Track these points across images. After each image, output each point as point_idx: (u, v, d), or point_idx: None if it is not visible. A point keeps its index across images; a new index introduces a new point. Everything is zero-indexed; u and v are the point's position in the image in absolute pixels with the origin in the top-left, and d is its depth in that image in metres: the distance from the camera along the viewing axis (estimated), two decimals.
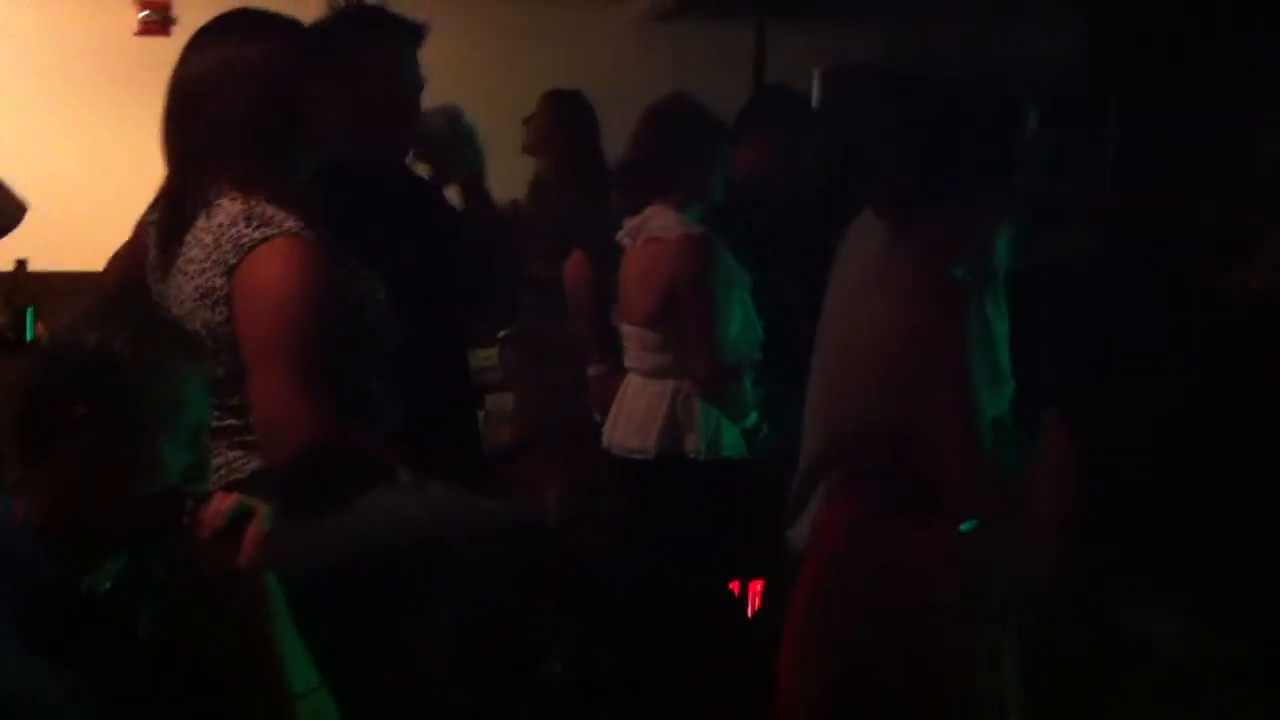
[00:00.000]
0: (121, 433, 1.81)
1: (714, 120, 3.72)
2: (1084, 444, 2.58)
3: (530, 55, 6.70)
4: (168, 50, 2.53)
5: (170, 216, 2.34)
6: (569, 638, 3.92)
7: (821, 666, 2.43)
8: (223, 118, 2.29)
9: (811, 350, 2.95)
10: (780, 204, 4.07)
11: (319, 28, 2.86)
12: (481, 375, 4.34)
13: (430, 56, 3.01)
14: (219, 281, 2.21)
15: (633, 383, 3.68)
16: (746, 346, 3.60)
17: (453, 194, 3.20)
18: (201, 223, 2.27)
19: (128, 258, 2.62)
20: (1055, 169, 2.50)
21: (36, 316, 4.54)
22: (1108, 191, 3.55)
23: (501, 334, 4.76)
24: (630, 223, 3.68)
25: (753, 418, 3.62)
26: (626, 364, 3.72)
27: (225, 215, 2.24)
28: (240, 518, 1.86)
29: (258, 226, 2.21)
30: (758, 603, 3.81)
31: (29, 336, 4.33)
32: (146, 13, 6.77)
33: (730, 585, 3.79)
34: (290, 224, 2.22)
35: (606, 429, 3.72)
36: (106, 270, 2.73)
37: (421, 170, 3.17)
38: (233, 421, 2.23)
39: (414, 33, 2.97)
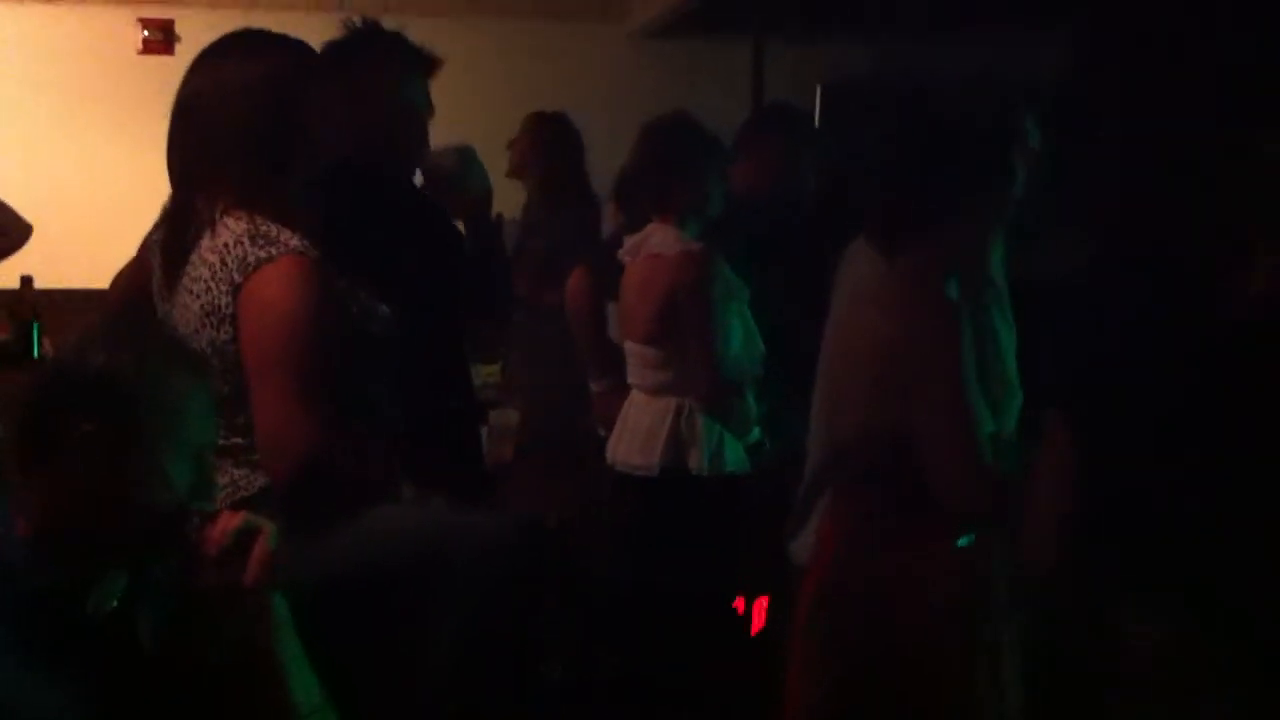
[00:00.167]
0: (126, 449, 1.81)
1: (712, 137, 3.72)
2: (1084, 445, 2.59)
3: (528, 73, 6.73)
4: (171, 69, 2.54)
5: (175, 235, 2.35)
6: (570, 646, 3.91)
7: (824, 672, 2.43)
8: (227, 137, 2.30)
9: (813, 365, 2.96)
10: (781, 220, 4.08)
11: (331, 48, 2.87)
12: (484, 391, 4.35)
13: None
14: (224, 300, 2.21)
15: (635, 399, 3.68)
16: (748, 362, 3.60)
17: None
18: (206, 241, 2.28)
19: (133, 276, 2.63)
20: (1052, 177, 2.50)
21: (42, 332, 4.55)
22: (1106, 195, 3.55)
23: (503, 351, 4.78)
24: (630, 240, 3.69)
25: (755, 433, 3.62)
26: (629, 381, 3.72)
27: (230, 234, 2.25)
28: (246, 536, 1.87)
29: (262, 245, 2.21)
30: (762, 619, 3.81)
31: (36, 352, 4.34)
32: (150, 32, 6.80)
33: (735, 602, 3.79)
34: (294, 242, 2.23)
35: (610, 445, 3.72)
36: (112, 288, 2.74)
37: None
38: (239, 440, 2.24)
39: (425, 62, 2.99)
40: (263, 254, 2.20)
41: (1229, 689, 2.45)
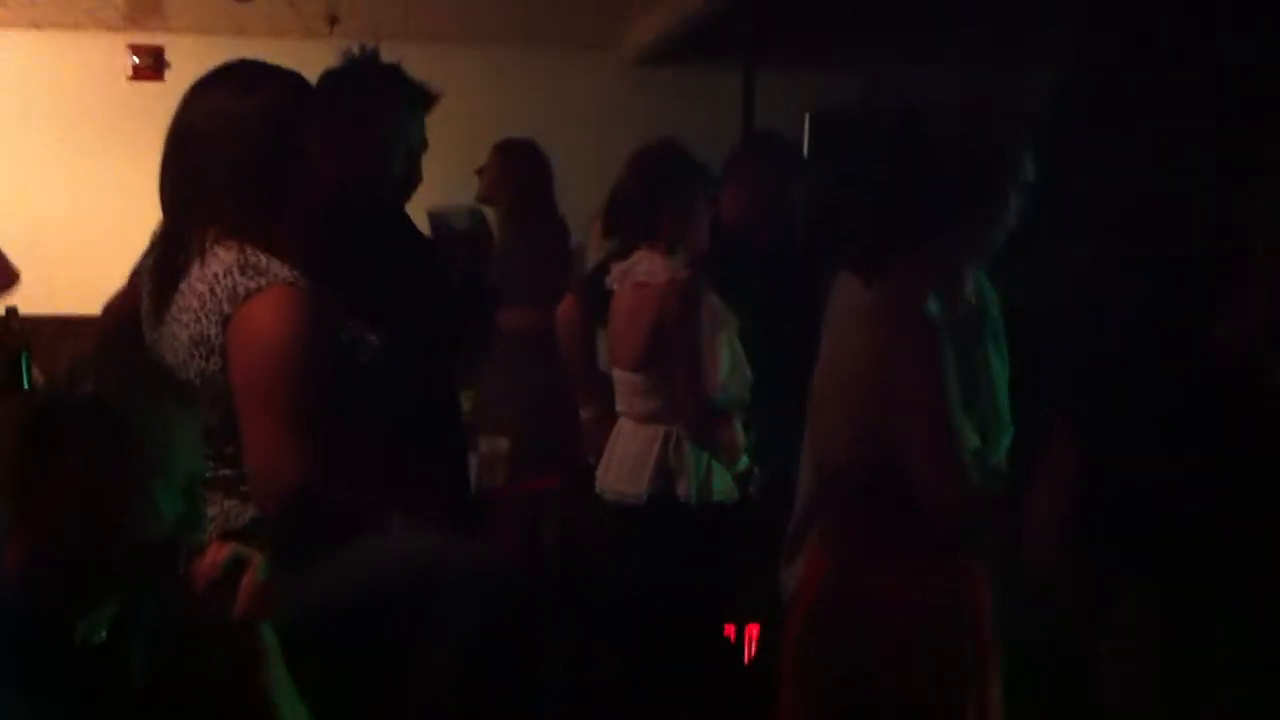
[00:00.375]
0: (115, 480, 1.81)
1: (700, 165, 3.73)
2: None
3: (521, 99, 6.75)
4: (161, 95, 2.55)
5: (165, 264, 2.35)
6: (564, 671, 3.90)
7: (816, 693, 2.44)
8: (219, 167, 2.30)
9: (802, 393, 2.97)
10: (769, 247, 4.09)
11: (328, 78, 2.87)
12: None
13: None
14: (213, 331, 2.21)
15: (623, 427, 3.68)
16: (736, 390, 3.60)
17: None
18: (196, 271, 2.27)
19: (124, 304, 2.63)
20: (1047, 194, 2.51)
21: (31, 362, 4.54)
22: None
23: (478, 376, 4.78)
24: (618, 267, 3.69)
25: (744, 461, 3.63)
26: (617, 408, 3.72)
27: (220, 264, 2.25)
28: (235, 567, 1.86)
29: (252, 276, 2.21)
30: (754, 647, 3.80)
31: (25, 383, 4.33)
32: (140, 58, 6.81)
33: (726, 630, 3.79)
34: (284, 273, 2.23)
35: (599, 473, 3.72)
36: (103, 315, 2.74)
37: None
38: (228, 471, 2.24)
39: (423, 97, 2.99)
40: (252, 285, 2.20)
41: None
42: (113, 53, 6.82)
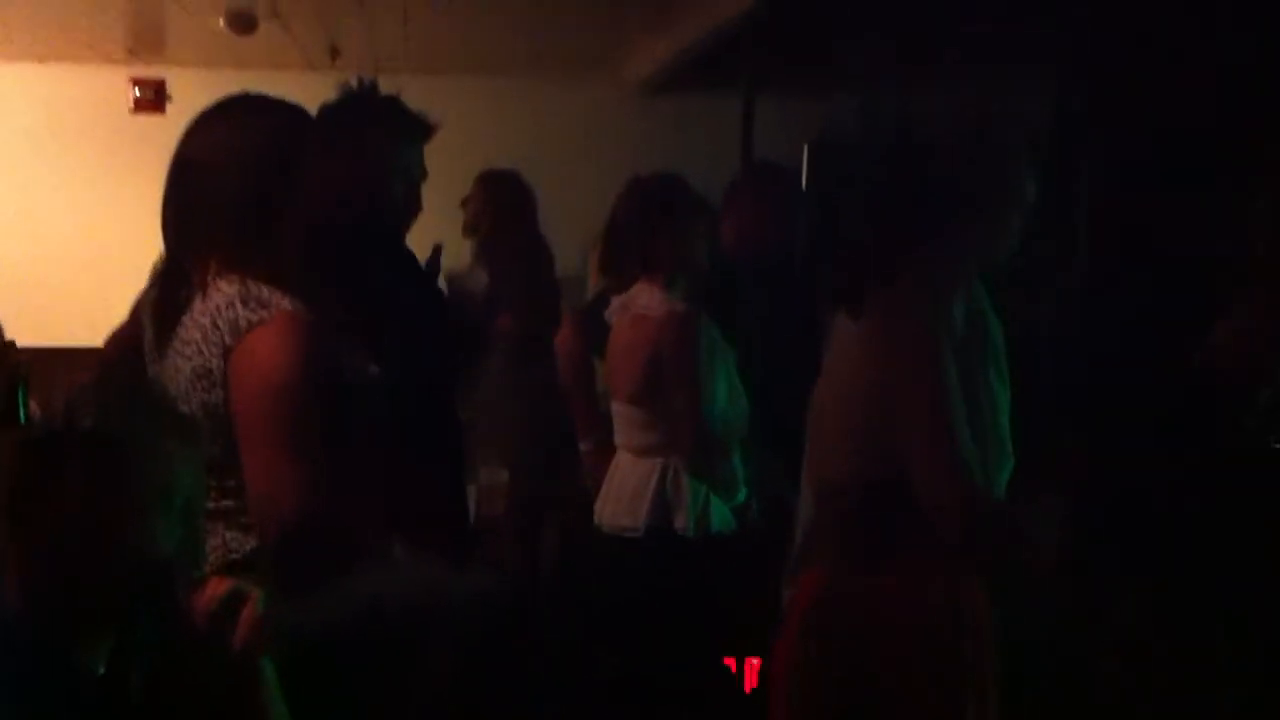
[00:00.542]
0: (114, 512, 1.81)
1: (699, 197, 3.74)
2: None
3: (518, 129, 6.78)
4: (163, 127, 2.56)
5: (167, 296, 2.35)
6: (564, 697, 3.90)
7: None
8: (221, 200, 2.31)
9: (801, 424, 2.97)
10: (768, 279, 4.09)
11: (327, 111, 2.89)
12: None
13: None
14: (215, 363, 2.21)
15: (621, 460, 3.68)
16: (734, 422, 3.60)
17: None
18: (198, 303, 2.28)
19: (125, 336, 2.63)
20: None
21: (28, 394, 4.54)
22: (1079, 252, 3.59)
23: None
24: (616, 300, 3.69)
25: (742, 494, 3.62)
26: (616, 441, 3.72)
27: (222, 296, 2.25)
28: (234, 601, 1.86)
29: (254, 308, 2.22)
30: (754, 679, 3.79)
31: (22, 417, 4.33)
32: (141, 90, 6.84)
33: (725, 662, 3.78)
34: (287, 305, 2.23)
35: (597, 506, 3.71)
36: (104, 348, 2.74)
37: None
38: (229, 503, 2.24)
39: (421, 128, 3.01)
40: (254, 316, 2.21)
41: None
42: (114, 85, 6.86)
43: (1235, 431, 2.51)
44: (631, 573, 3.63)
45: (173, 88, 6.81)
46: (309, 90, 2.82)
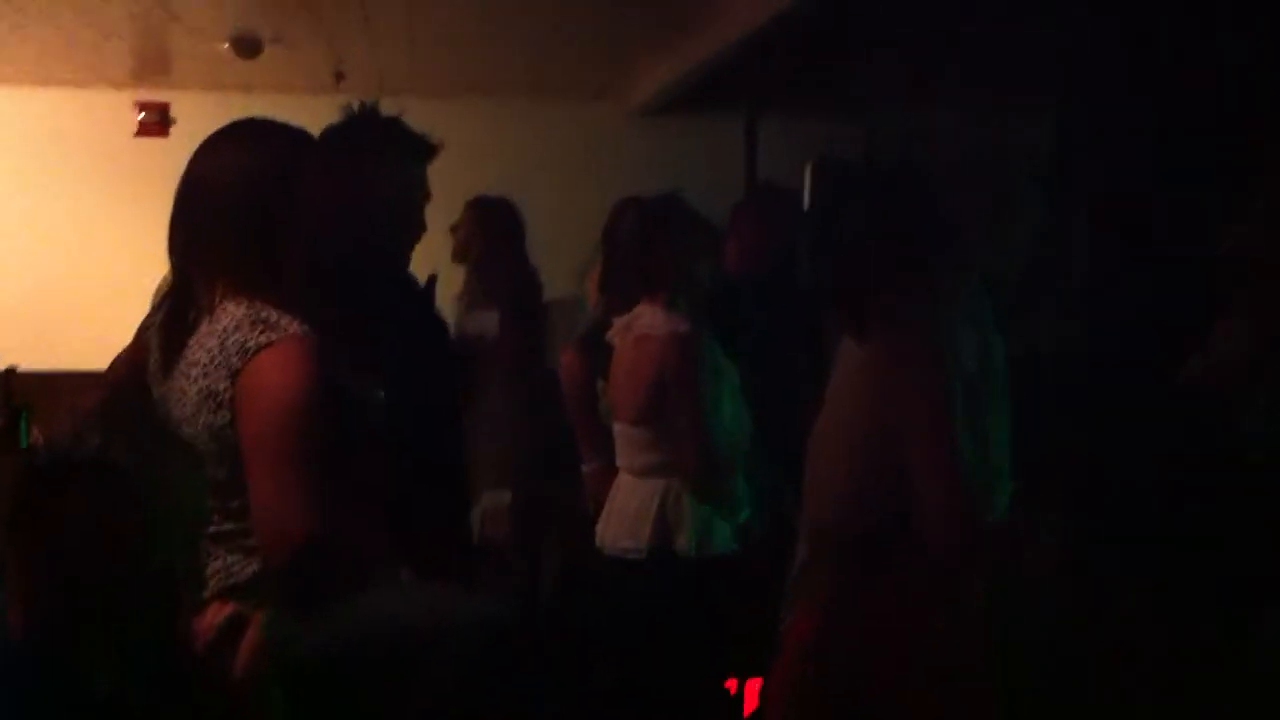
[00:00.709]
0: (118, 537, 1.82)
1: (702, 218, 3.74)
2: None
3: (521, 151, 6.79)
4: (167, 151, 2.57)
5: (173, 319, 2.36)
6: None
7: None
8: (229, 225, 2.32)
9: (803, 445, 2.97)
10: (772, 299, 4.10)
11: (330, 134, 2.90)
12: None
13: None
14: (222, 385, 2.22)
15: (623, 481, 3.67)
16: (737, 442, 3.60)
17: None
18: (205, 326, 2.29)
19: (130, 360, 2.64)
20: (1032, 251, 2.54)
21: (31, 419, 4.54)
22: (1076, 278, 3.60)
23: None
24: (619, 321, 3.69)
25: (744, 514, 3.62)
26: (617, 462, 3.72)
27: (229, 319, 2.26)
28: (234, 626, 1.87)
29: (262, 331, 2.22)
30: (755, 701, 3.78)
31: (24, 441, 4.34)
32: (145, 114, 6.85)
33: (726, 684, 3.77)
34: (294, 328, 2.24)
35: (599, 527, 3.71)
36: (110, 371, 2.74)
37: None
38: (232, 526, 2.24)
39: (424, 148, 3.02)
40: (263, 339, 2.21)
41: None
42: (119, 109, 6.87)
43: (1227, 440, 2.51)
44: (633, 594, 3.62)
45: (177, 111, 6.82)
46: (314, 113, 2.84)
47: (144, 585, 1.83)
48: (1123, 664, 2.58)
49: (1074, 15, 4.00)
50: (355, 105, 3.03)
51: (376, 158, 2.97)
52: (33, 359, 5.25)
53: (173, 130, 6.76)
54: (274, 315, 2.26)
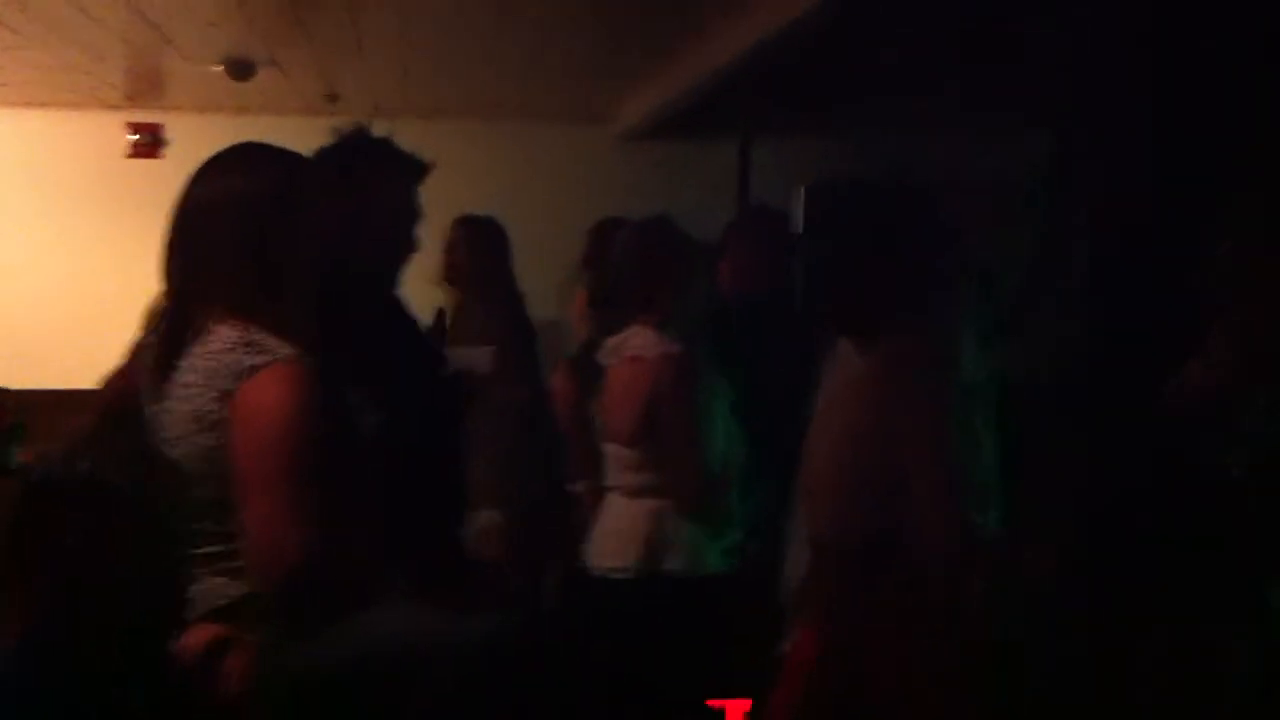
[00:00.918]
0: (109, 556, 1.82)
1: (693, 240, 3.75)
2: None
3: (513, 175, 6.81)
4: (159, 172, 2.58)
5: (167, 340, 2.36)
6: None
7: None
8: (224, 249, 2.33)
9: (795, 464, 2.97)
10: (764, 320, 4.10)
11: (323, 155, 2.91)
12: None
13: None
14: (214, 407, 2.22)
15: (613, 501, 3.68)
16: (729, 462, 3.60)
17: None
18: (197, 347, 2.29)
19: (122, 380, 2.64)
20: (1029, 273, 2.55)
21: (22, 439, 4.53)
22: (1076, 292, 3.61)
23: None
24: (611, 342, 3.70)
25: (735, 534, 3.62)
26: (608, 482, 3.72)
27: (222, 341, 2.27)
28: (218, 649, 1.87)
29: (255, 353, 2.23)
30: None
31: (11, 461, 4.33)
32: (138, 136, 6.86)
33: (716, 705, 3.76)
34: (286, 350, 2.24)
35: (589, 547, 3.71)
36: (102, 391, 2.74)
37: None
38: (220, 548, 2.23)
39: (416, 167, 3.03)
40: (256, 361, 2.22)
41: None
42: (111, 131, 6.88)
43: (1208, 457, 2.52)
44: (623, 615, 3.62)
45: (170, 132, 6.83)
46: (307, 135, 2.85)
47: (135, 605, 1.83)
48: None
49: (1073, 15, 4.01)
50: (347, 126, 3.04)
51: (368, 177, 2.97)
52: (25, 378, 5.25)
53: (165, 152, 6.77)
54: (266, 338, 2.26)
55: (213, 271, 2.33)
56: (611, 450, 3.70)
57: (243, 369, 2.21)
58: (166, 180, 2.48)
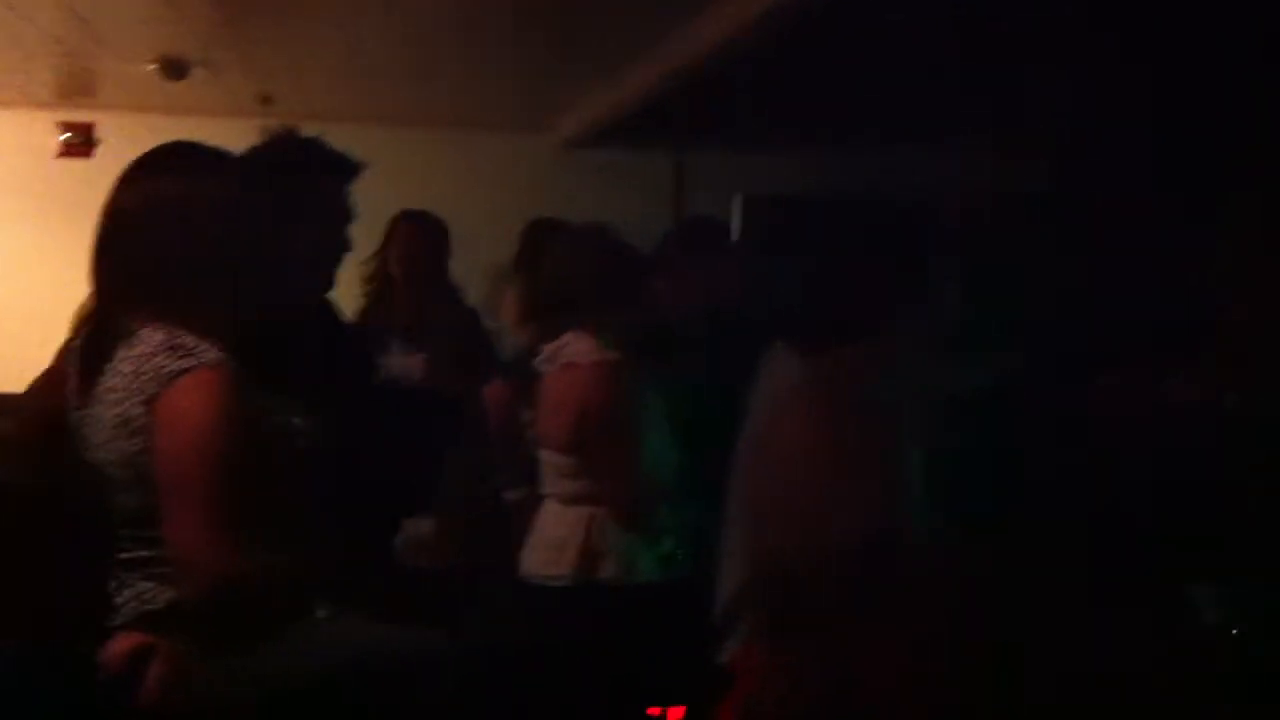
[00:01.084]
0: (29, 563, 1.79)
1: (630, 248, 3.75)
2: None
3: (451, 183, 6.78)
4: (90, 172, 2.54)
5: (92, 343, 2.33)
6: None
7: None
8: (150, 250, 2.31)
9: (729, 475, 2.97)
10: (699, 329, 4.11)
11: (252, 156, 2.88)
12: None
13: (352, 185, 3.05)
14: (138, 411, 2.20)
15: (548, 509, 3.67)
16: (663, 471, 3.60)
17: None
18: (123, 351, 2.26)
19: (49, 383, 2.60)
20: (974, 293, 2.55)
21: None
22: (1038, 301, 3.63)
23: None
24: (547, 348, 3.69)
25: (669, 542, 3.61)
26: (543, 490, 3.71)
27: (147, 345, 2.24)
28: (141, 657, 1.84)
29: (179, 357, 2.21)
30: None
31: None
32: (69, 135, 6.78)
33: (650, 711, 3.76)
34: (211, 355, 2.22)
35: (523, 555, 3.70)
36: (27, 395, 2.70)
37: None
38: (145, 553, 2.21)
39: (347, 167, 3.00)
40: (179, 366, 2.20)
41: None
42: (41, 129, 6.80)
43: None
44: (557, 623, 3.61)
45: (102, 132, 6.76)
46: (240, 137, 2.82)
47: (57, 612, 1.80)
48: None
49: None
50: (277, 127, 3.01)
51: (300, 178, 2.94)
52: None
53: (97, 151, 6.69)
54: (192, 341, 2.24)
55: (139, 275, 2.31)
56: (547, 457, 3.69)
57: (166, 373, 2.19)
58: (98, 180, 2.44)
